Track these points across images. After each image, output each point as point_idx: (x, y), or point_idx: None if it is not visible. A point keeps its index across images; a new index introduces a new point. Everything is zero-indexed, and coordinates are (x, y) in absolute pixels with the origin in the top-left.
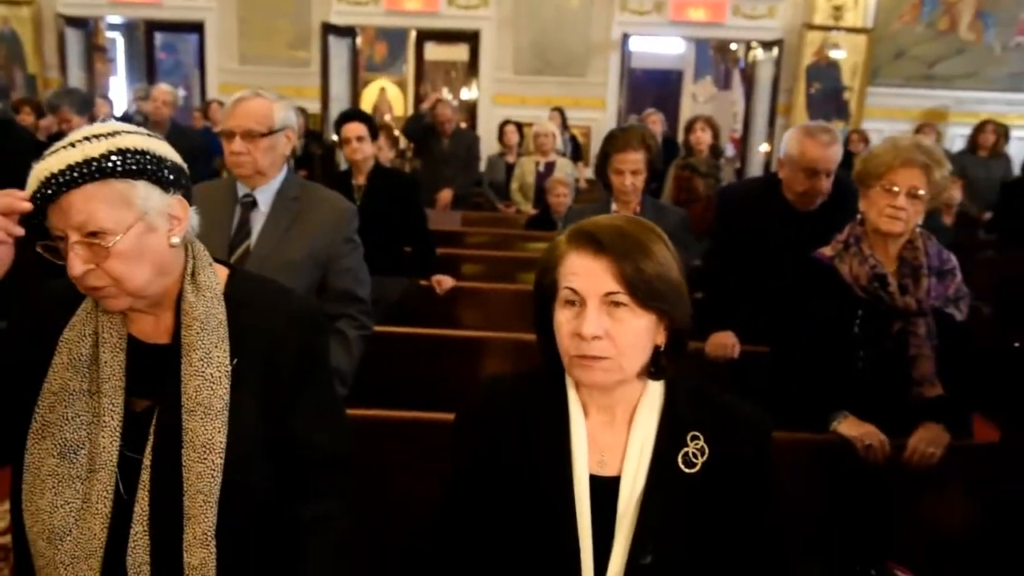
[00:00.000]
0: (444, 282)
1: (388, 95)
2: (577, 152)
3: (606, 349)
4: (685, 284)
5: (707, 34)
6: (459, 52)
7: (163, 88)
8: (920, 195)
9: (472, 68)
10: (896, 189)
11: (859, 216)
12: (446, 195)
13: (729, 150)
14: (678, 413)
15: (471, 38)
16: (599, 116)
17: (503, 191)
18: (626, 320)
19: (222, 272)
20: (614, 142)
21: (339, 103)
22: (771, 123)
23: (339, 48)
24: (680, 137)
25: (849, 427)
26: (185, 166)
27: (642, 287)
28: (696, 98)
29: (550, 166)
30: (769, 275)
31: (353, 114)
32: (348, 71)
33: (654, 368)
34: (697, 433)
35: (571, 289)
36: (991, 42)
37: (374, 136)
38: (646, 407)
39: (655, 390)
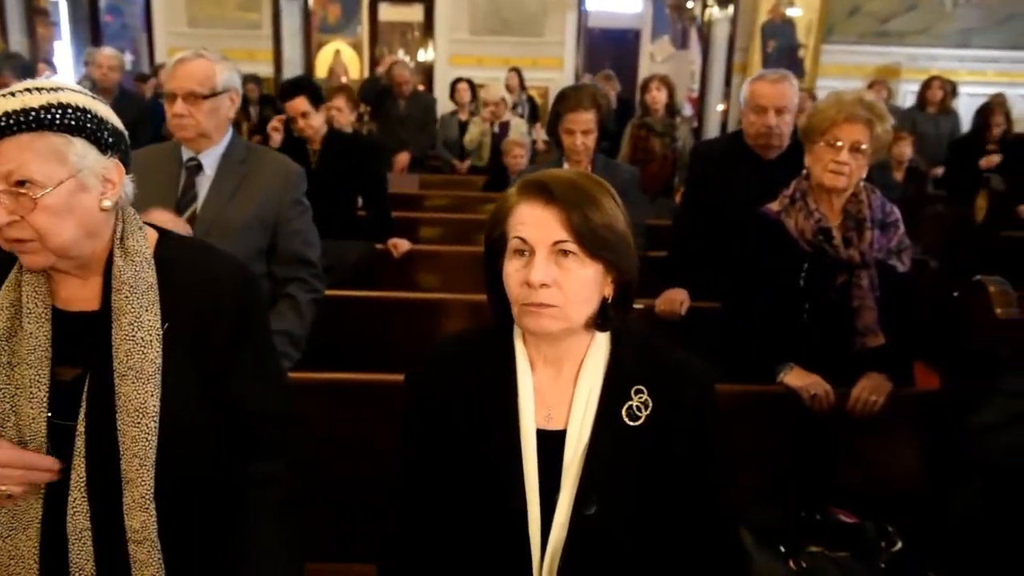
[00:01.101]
0: (400, 245)
1: (343, 57)
2: (535, 113)
3: (554, 297)
4: (632, 238)
5: None
6: (414, 13)
7: (107, 52)
8: (863, 149)
9: (428, 29)
10: (840, 144)
11: (804, 171)
12: (403, 158)
13: (687, 109)
14: (623, 367)
15: None
16: (556, 76)
17: (457, 149)
18: (574, 269)
19: (152, 236)
20: (565, 102)
21: (292, 66)
22: (728, 82)
23: (290, 9)
24: (637, 97)
25: (795, 378)
26: (126, 133)
27: (590, 236)
28: (654, 58)
29: (504, 126)
30: (737, 232)
31: (293, 89)
32: (301, 33)
33: (601, 320)
34: (641, 387)
35: (520, 238)
36: None
37: (319, 103)
38: (592, 361)
39: (601, 344)
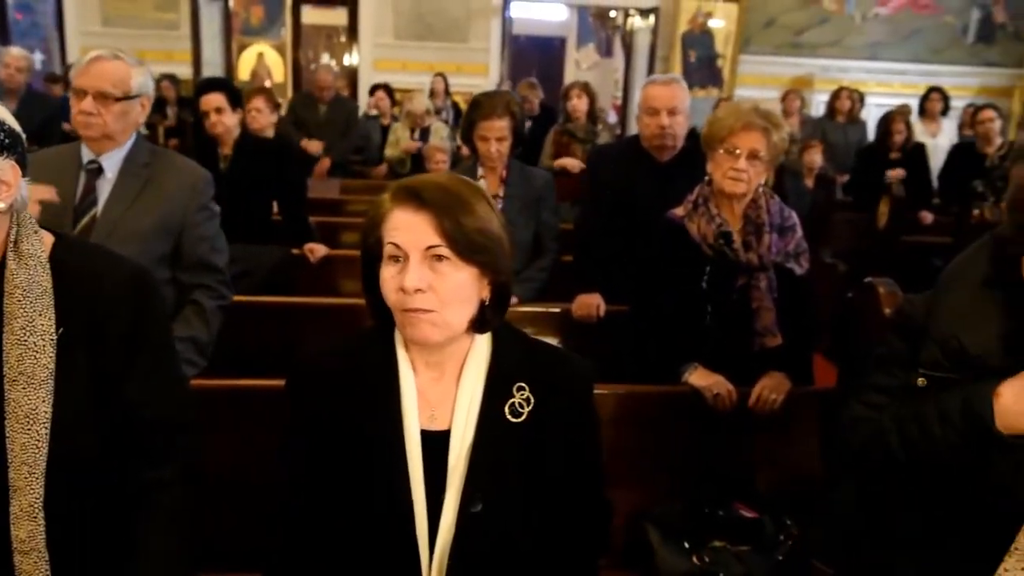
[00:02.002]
0: (317, 251)
1: (267, 60)
2: (459, 119)
3: (429, 301)
4: (507, 240)
5: (587, 1)
6: (339, 16)
7: (15, 52)
8: (761, 157)
9: (352, 33)
10: (738, 152)
11: (707, 177)
12: (324, 163)
13: (611, 117)
14: (505, 365)
15: (350, 1)
16: (482, 83)
17: (376, 155)
18: (448, 273)
19: (48, 239)
20: (479, 109)
21: (213, 68)
22: None
23: (210, 10)
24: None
25: (699, 378)
26: (23, 135)
27: (463, 240)
28: (580, 65)
29: (425, 132)
30: (639, 234)
31: (210, 84)
32: (221, 35)
33: (479, 322)
34: (523, 384)
35: (394, 244)
36: (852, 12)
37: (237, 105)
38: (474, 361)
39: (482, 344)
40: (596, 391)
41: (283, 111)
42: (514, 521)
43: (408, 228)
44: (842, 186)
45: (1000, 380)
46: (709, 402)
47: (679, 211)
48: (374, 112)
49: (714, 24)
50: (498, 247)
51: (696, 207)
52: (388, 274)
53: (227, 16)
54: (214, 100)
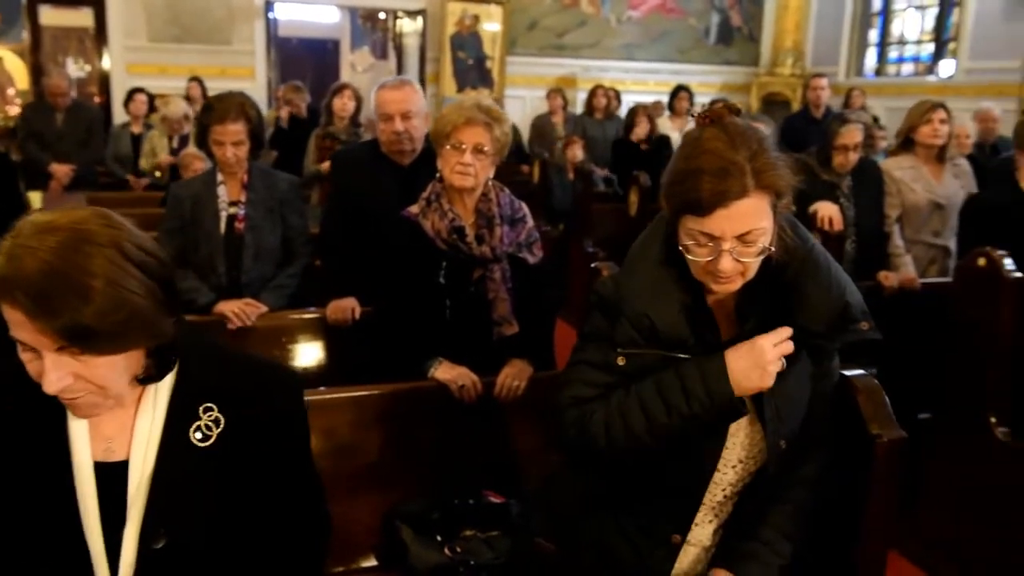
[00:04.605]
0: None
1: (8, 65)
2: None
3: (79, 389)
4: (155, 292)
5: (352, 2)
6: (83, 17)
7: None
8: (486, 151)
9: (100, 35)
10: (464, 147)
11: (438, 174)
12: (60, 176)
13: None
14: (191, 386)
15: (95, 2)
16: (248, 86)
17: (130, 164)
18: (90, 362)
19: None
20: (211, 113)
21: None
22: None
23: None
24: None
25: (443, 371)
26: None
27: (84, 335)
28: (356, 68)
29: (185, 139)
30: (382, 236)
31: None
32: None
33: (147, 378)
34: (211, 404)
35: (19, 340)
36: (608, 15)
37: None
38: (155, 385)
39: None
40: (345, 394)
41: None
42: (206, 554)
43: (22, 326)
44: (605, 179)
45: (720, 351)
46: (455, 394)
47: (414, 209)
48: (127, 119)
49: (492, 28)
50: (138, 318)
51: (429, 204)
52: (25, 359)
53: None
54: None
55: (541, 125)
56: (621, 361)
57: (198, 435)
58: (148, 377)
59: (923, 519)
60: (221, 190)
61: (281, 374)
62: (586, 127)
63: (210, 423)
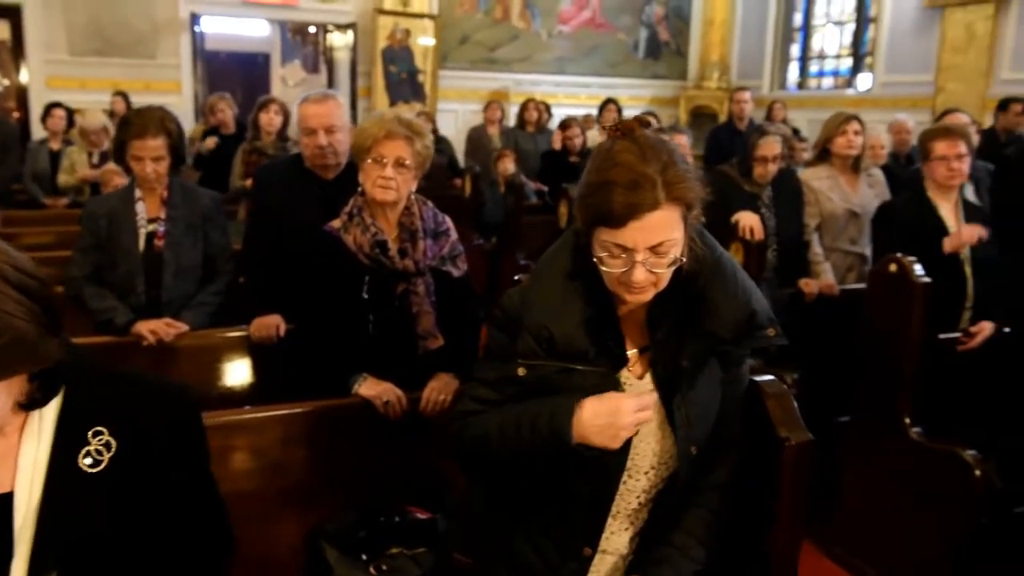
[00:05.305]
0: None
1: None
2: None
3: None
4: (36, 321)
5: (282, 16)
6: None
7: None
8: (407, 164)
9: (18, 48)
10: (385, 160)
11: (360, 188)
12: None
13: None
14: (78, 410)
15: (11, 14)
16: (175, 100)
17: (48, 183)
18: None
19: None
20: (129, 128)
21: None
22: (353, 105)
23: None
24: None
25: (368, 388)
26: None
27: None
28: (287, 82)
29: (104, 155)
30: (305, 252)
31: None
32: None
33: (30, 404)
34: (101, 428)
35: None
36: (539, 30)
37: None
38: (39, 412)
39: None
40: (269, 413)
41: None
42: None
43: None
44: (537, 191)
45: (585, 395)
46: (380, 410)
47: (336, 223)
48: (45, 135)
49: (427, 42)
50: (21, 342)
51: (351, 218)
52: None
53: None
54: None
55: (477, 137)
56: (522, 371)
57: (88, 460)
58: (32, 402)
59: (843, 520)
60: (139, 207)
61: (175, 393)
62: (518, 140)
63: (100, 447)
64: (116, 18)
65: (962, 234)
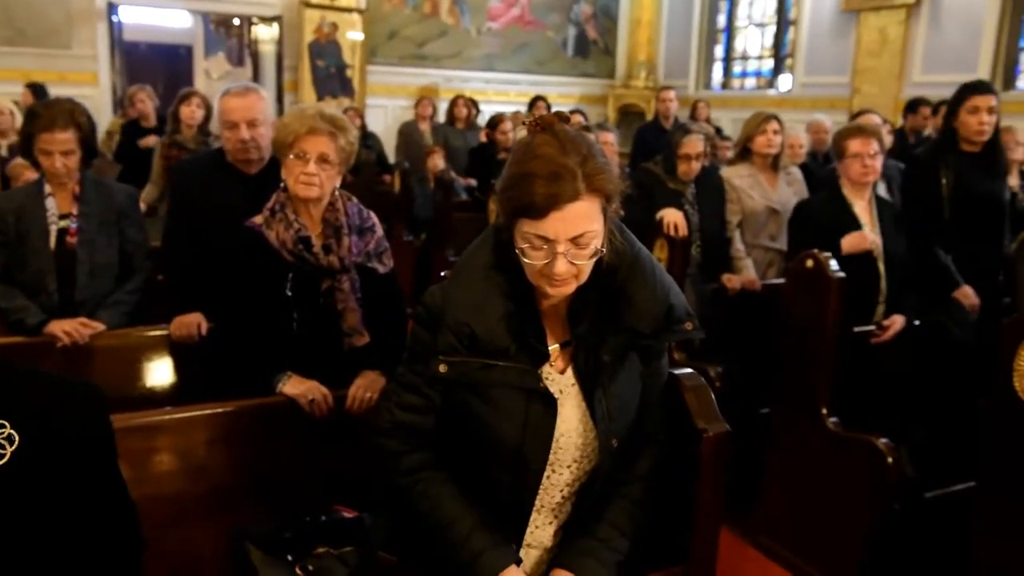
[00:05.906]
0: None
1: None
2: None
3: None
4: None
5: (203, 7)
6: None
7: None
8: (330, 160)
9: None
10: (307, 156)
11: (283, 183)
12: None
13: None
14: None
15: None
16: (91, 92)
17: None
18: None
19: None
20: (37, 121)
21: None
22: (279, 99)
23: None
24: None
25: (292, 386)
26: None
27: None
28: (210, 74)
29: (13, 149)
30: (225, 248)
31: None
32: None
33: None
34: (3, 421)
35: None
36: (468, 26)
37: None
38: None
39: None
40: (191, 413)
41: None
42: None
43: None
44: (467, 188)
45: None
46: (306, 409)
47: (258, 219)
48: None
49: (355, 37)
50: None
51: (274, 214)
52: None
53: None
54: None
55: (409, 132)
56: (443, 368)
57: None
58: None
59: (765, 508)
60: (50, 202)
61: (82, 390)
62: (448, 136)
63: (2, 440)
64: (28, 6)
65: (867, 237)
